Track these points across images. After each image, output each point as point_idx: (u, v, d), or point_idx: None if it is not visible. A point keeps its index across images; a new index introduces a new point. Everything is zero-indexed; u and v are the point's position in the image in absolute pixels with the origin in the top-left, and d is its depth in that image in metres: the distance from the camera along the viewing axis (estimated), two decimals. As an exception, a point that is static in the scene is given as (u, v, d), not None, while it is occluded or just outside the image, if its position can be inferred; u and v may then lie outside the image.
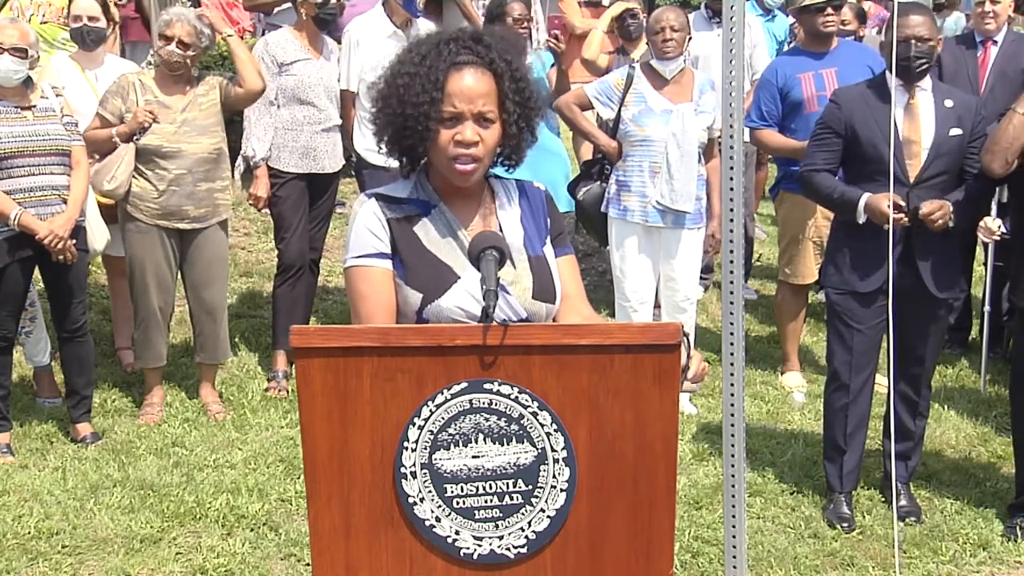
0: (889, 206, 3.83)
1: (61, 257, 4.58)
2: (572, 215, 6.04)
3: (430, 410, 1.91)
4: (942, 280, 4.09)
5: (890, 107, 3.96)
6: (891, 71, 3.90)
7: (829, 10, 5.41)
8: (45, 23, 6.25)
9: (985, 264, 5.71)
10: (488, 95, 2.18)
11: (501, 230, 2.29)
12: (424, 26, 5.77)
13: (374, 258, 2.21)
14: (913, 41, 3.96)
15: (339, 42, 5.85)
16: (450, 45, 2.18)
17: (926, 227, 3.97)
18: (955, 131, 4.02)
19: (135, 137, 4.88)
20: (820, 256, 5.48)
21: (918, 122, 4.04)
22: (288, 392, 5.46)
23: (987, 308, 5.61)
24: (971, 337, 6.23)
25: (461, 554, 1.95)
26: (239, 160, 5.54)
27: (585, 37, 7.00)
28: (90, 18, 5.34)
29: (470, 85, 2.16)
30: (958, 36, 6.04)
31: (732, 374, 2.82)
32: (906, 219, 3.89)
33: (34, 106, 4.63)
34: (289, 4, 7.30)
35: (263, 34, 7.59)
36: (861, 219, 3.99)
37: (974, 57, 5.57)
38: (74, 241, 4.62)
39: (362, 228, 2.23)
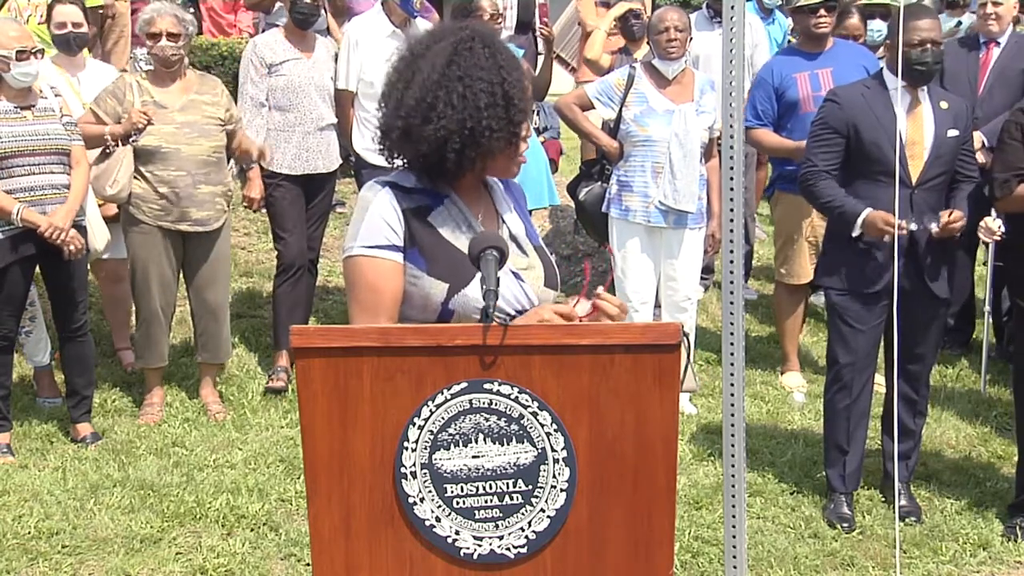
0: (895, 223, 3.83)
1: (69, 248, 4.56)
2: (572, 215, 6.05)
3: (430, 410, 1.91)
4: (943, 280, 4.10)
5: (892, 108, 3.97)
6: (895, 73, 3.90)
7: (823, 11, 5.41)
8: (42, 24, 6.25)
9: (985, 264, 5.71)
10: None
11: (504, 222, 2.30)
12: (423, 26, 5.76)
13: (386, 250, 2.17)
14: (929, 45, 3.96)
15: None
16: (493, 43, 2.19)
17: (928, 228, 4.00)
18: (952, 132, 4.05)
19: (131, 138, 4.88)
20: (815, 256, 5.49)
21: (921, 123, 4.05)
22: (289, 379, 5.45)
23: (987, 308, 5.61)
24: (972, 337, 6.22)
25: (461, 554, 1.95)
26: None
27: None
28: (74, 24, 5.35)
29: None
30: (960, 38, 6.02)
31: (732, 374, 2.82)
32: (904, 231, 3.90)
33: (34, 106, 4.63)
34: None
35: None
36: (856, 232, 4.00)
37: (976, 59, 5.56)
38: (75, 233, 4.61)
39: (377, 217, 2.18)
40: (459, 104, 2.11)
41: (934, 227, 3.97)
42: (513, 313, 2.19)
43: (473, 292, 2.14)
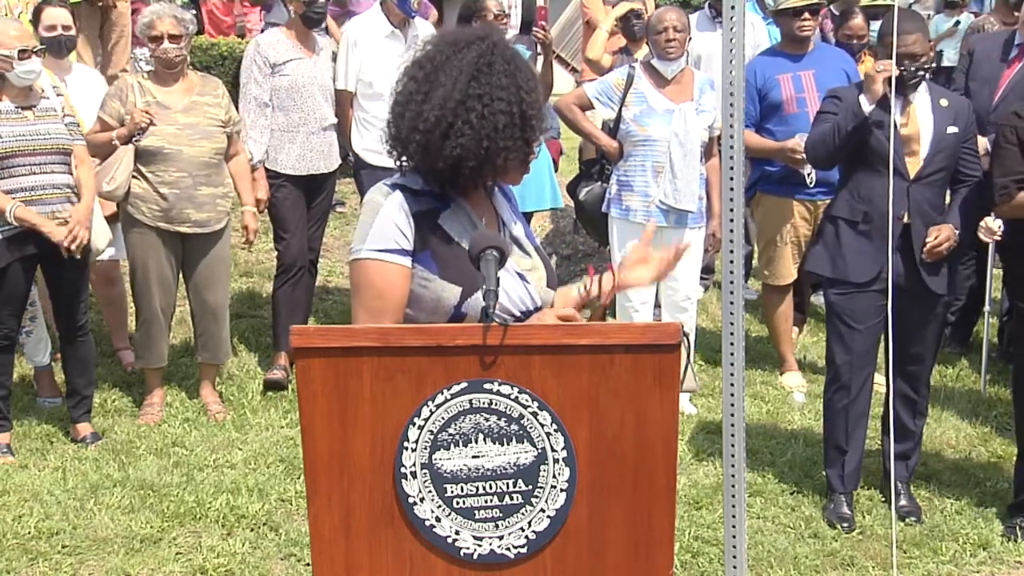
0: (889, 64, 3.82)
1: (69, 248, 4.55)
2: (572, 215, 6.04)
3: (430, 410, 1.91)
4: (940, 275, 4.10)
5: (888, 104, 3.98)
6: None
7: (806, 14, 5.40)
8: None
9: (986, 264, 5.71)
10: None
11: (505, 224, 2.31)
12: (421, 26, 5.76)
13: (395, 254, 2.16)
14: (906, 61, 3.96)
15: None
16: (513, 59, 2.20)
17: (925, 224, 4.01)
18: (952, 129, 4.10)
19: (134, 138, 4.88)
20: (798, 256, 5.50)
21: (916, 121, 4.09)
22: (288, 375, 5.45)
23: (987, 308, 5.61)
24: (972, 335, 6.21)
25: (461, 554, 1.95)
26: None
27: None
28: (64, 27, 5.34)
29: None
30: (1007, 38, 5.88)
31: (732, 374, 2.82)
32: (896, 72, 3.87)
33: (35, 105, 4.63)
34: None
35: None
36: (868, 107, 3.97)
37: (1004, 61, 5.48)
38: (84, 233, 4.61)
39: (388, 221, 2.16)
40: (477, 124, 2.11)
41: (929, 241, 4.00)
42: (518, 315, 2.19)
43: None
